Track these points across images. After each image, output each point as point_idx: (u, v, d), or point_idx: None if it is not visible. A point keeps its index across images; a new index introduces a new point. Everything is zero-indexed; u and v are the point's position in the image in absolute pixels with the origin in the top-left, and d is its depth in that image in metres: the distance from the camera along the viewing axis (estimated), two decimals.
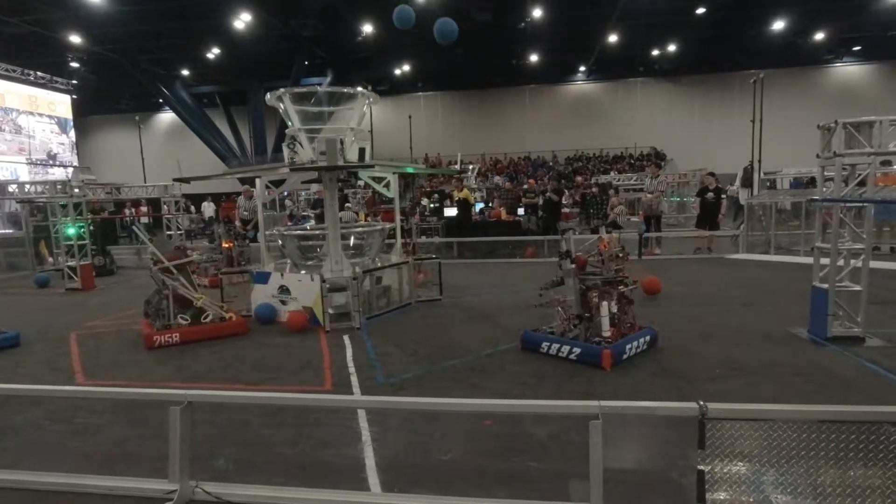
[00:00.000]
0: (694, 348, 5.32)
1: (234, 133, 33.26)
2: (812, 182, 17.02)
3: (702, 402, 2.45)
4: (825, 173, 5.67)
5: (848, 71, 30.78)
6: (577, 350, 4.95)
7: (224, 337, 6.30)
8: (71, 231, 10.44)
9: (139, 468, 3.20)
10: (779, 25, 25.05)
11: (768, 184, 18.30)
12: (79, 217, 10.60)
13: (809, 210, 10.62)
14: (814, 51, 28.66)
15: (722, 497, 2.53)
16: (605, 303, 4.92)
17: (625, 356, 4.91)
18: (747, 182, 18.74)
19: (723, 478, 2.52)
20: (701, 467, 2.48)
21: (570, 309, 5.15)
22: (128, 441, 3.73)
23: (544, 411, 3.32)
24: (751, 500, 2.55)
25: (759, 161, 20.11)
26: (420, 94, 34.77)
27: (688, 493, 2.66)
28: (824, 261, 5.40)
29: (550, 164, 31.15)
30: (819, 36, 26.96)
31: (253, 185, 10.43)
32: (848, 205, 5.21)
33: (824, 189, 5.68)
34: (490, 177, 27.11)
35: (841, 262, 5.33)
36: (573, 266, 5.08)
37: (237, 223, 12.56)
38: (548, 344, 5.18)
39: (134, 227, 12.29)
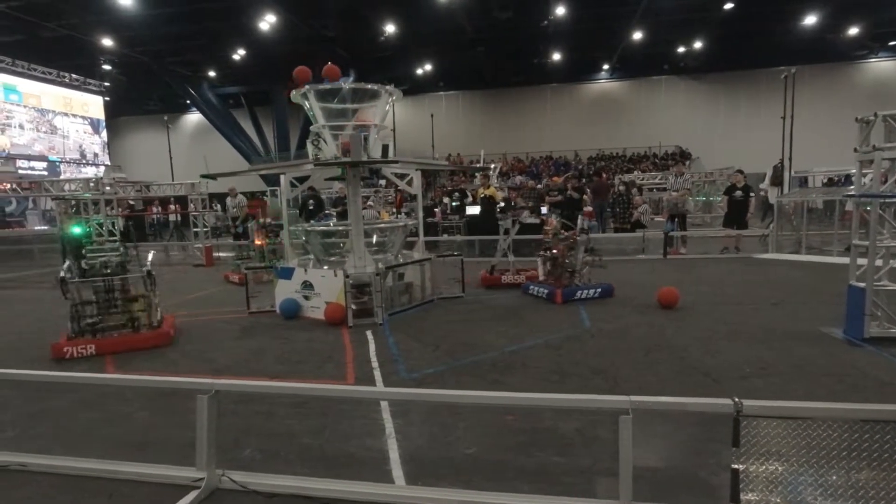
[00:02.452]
0: (721, 347, 5.19)
1: (259, 132, 33.76)
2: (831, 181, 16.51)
3: (737, 399, 2.38)
4: (863, 169, 5.48)
5: (882, 66, 29.70)
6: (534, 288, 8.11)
7: (140, 350, 5.62)
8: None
9: (167, 455, 3.25)
10: (809, 21, 24.35)
11: (799, 182, 17.83)
12: (110, 213, 10.88)
13: (843, 208, 10.30)
14: (846, 46, 27.77)
15: (756, 497, 2.45)
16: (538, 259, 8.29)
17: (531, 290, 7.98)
18: (777, 180, 18.29)
19: (757, 477, 2.44)
20: (735, 466, 2.40)
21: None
22: (156, 429, 3.80)
23: (573, 405, 3.26)
24: (787, 501, 2.46)
25: (790, 159, 19.60)
26: (441, 93, 34.77)
27: (721, 492, 2.59)
28: (861, 259, 5.22)
29: (573, 163, 30.84)
30: (852, 31, 26.11)
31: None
32: (888, 200, 5.01)
33: (862, 185, 5.49)
34: (511, 175, 26.96)
35: (880, 262, 5.15)
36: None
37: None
38: (532, 287, 8.16)
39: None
